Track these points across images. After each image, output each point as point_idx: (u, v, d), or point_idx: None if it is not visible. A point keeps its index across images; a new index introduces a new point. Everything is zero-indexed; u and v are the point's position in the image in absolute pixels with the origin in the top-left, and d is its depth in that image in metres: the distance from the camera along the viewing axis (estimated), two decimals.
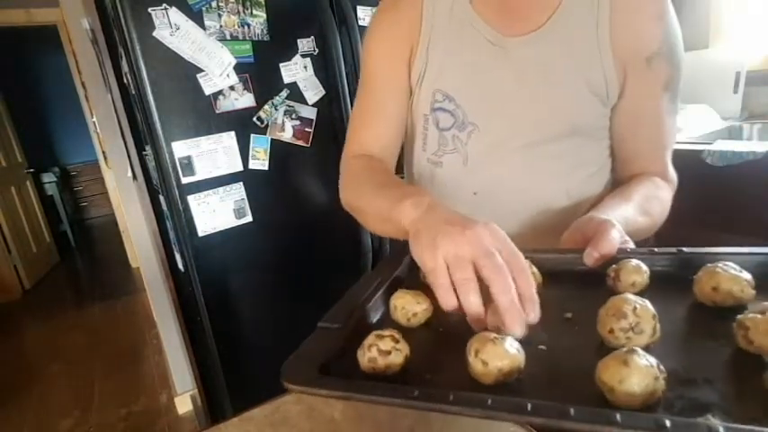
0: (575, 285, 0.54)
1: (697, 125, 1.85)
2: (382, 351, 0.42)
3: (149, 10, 1.23)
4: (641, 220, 0.64)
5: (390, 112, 0.79)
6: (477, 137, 0.73)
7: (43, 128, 5.81)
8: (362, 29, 1.57)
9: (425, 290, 0.52)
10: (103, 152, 3.21)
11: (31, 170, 4.30)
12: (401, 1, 0.76)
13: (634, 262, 0.51)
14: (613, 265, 0.51)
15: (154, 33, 1.25)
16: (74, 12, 1.72)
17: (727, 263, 0.46)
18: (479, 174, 0.74)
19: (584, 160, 0.73)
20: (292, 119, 1.48)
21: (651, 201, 0.68)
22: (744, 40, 2.06)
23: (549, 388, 0.40)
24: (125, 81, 1.56)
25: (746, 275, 0.45)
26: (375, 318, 0.53)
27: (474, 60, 0.71)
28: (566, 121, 0.69)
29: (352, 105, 1.54)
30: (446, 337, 0.49)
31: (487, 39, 0.69)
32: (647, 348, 0.38)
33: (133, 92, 1.40)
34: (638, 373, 0.34)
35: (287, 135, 1.48)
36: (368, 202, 0.70)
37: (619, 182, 0.75)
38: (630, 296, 0.42)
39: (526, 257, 0.52)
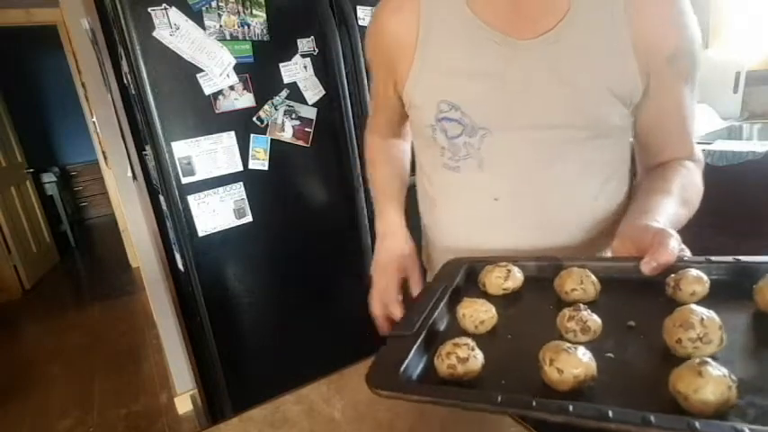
0: (632, 293, 0.55)
1: (697, 125, 1.85)
2: (461, 358, 0.45)
3: (149, 10, 1.23)
4: (682, 211, 0.66)
5: (393, 103, 0.82)
6: (489, 141, 0.71)
7: (43, 128, 5.80)
8: (362, 29, 1.57)
9: (488, 299, 0.56)
10: (103, 152, 3.20)
11: (31, 170, 4.30)
12: (402, 4, 0.74)
13: (695, 272, 0.51)
14: (673, 275, 0.52)
15: (154, 33, 1.25)
16: (74, 12, 1.72)
17: None
18: (498, 178, 0.73)
19: (606, 161, 0.73)
20: (292, 119, 1.48)
21: (688, 189, 0.69)
22: (744, 40, 2.06)
23: (621, 395, 0.41)
24: (125, 81, 1.56)
25: None
26: (442, 326, 0.56)
27: (479, 65, 0.69)
28: (583, 123, 0.68)
29: (352, 105, 1.55)
30: (514, 343, 0.51)
31: (494, 41, 0.68)
32: (712, 357, 0.40)
33: (133, 92, 1.40)
34: (713, 382, 0.35)
35: (287, 135, 1.48)
36: (373, 193, 0.94)
37: (647, 169, 0.75)
38: (696, 307, 0.43)
39: (581, 266, 0.57)
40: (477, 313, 0.53)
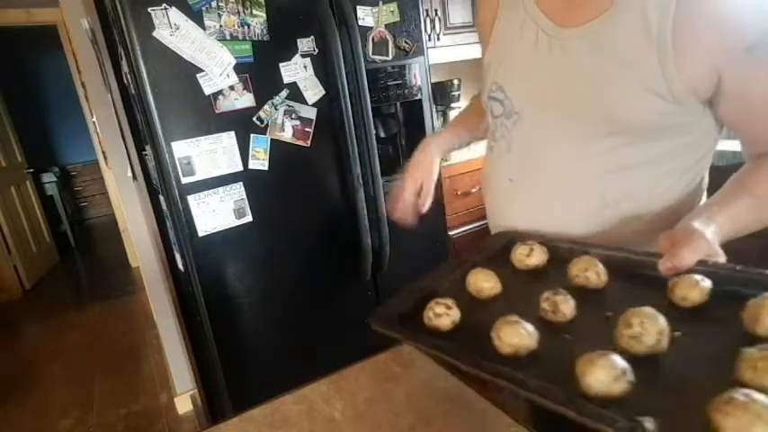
0: (636, 288, 0.57)
1: None
2: (436, 314, 0.55)
3: (149, 10, 1.23)
4: (763, 214, 0.62)
5: None
6: (519, 126, 0.76)
7: (43, 128, 5.80)
8: (362, 29, 1.57)
9: (505, 269, 0.64)
10: (103, 152, 3.20)
11: (31, 170, 4.29)
12: None
13: (695, 277, 0.51)
14: (675, 278, 0.52)
15: (154, 33, 1.25)
16: (74, 12, 1.72)
17: None
18: (518, 162, 0.78)
19: (631, 162, 0.68)
20: (292, 119, 1.48)
21: None
22: None
23: (548, 368, 0.47)
24: (125, 81, 1.56)
25: None
26: (455, 287, 0.63)
27: (529, 53, 0.73)
28: (608, 117, 0.66)
29: (352, 105, 1.55)
30: (500, 313, 0.55)
31: (544, 31, 0.71)
32: (650, 356, 0.45)
33: (133, 92, 1.40)
34: (600, 371, 0.41)
35: (287, 135, 1.48)
36: None
37: (751, 157, 0.68)
38: (648, 310, 0.47)
39: (596, 255, 0.61)
40: (479, 281, 0.61)
